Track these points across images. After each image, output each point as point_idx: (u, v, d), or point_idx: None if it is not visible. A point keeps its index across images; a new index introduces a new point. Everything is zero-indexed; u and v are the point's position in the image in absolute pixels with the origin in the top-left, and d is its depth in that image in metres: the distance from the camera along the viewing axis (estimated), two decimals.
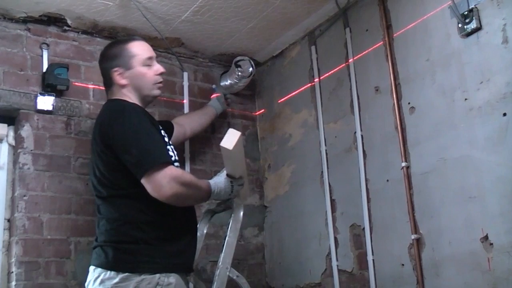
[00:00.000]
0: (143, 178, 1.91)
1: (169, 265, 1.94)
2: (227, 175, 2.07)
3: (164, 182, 1.89)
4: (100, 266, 1.95)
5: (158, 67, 2.18)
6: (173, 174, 1.91)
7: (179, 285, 1.94)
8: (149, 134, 1.99)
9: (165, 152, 2.00)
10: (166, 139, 2.15)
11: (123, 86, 2.14)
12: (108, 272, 1.91)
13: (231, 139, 1.96)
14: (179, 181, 1.92)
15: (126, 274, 1.89)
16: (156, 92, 2.18)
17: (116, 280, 1.89)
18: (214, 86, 3.13)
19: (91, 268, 1.99)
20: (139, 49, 2.17)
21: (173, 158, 2.07)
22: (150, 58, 2.17)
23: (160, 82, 2.20)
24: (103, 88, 2.26)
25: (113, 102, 2.15)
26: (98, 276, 1.93)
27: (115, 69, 2.15)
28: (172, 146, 2.17)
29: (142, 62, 2.14)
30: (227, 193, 2.06)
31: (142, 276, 1.89)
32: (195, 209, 2.18)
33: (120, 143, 1.96)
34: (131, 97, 2.14)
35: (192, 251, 2.09)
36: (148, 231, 1.96)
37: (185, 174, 2.05)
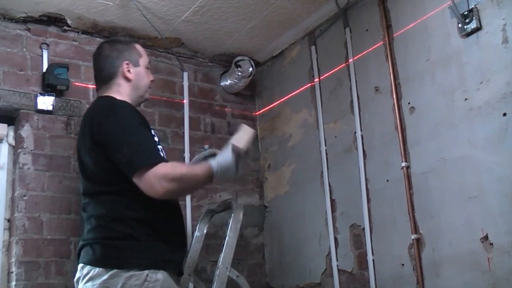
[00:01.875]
0: (135, 177, 1.91)
1: (157, 262, 1.94)
2: (233, 150, 1.94)
3: (154, 181, 1.89)
4: (89, 263, 1.94)
5: (150, 74, 2.25)
6: (161, 172, 1.90)
7: (166, 282, 1.93)
8: (140, 132, 1.99)
9: (156, 151, 2.00)
10: (156, 139, 2.15)
11: (128, 80, 2.14)
12: (97, 269, 1.90)
13: (243, 137, 1.92)
14: (168, 178, 1.91)
15: (115, 270, 1.88)
16: (147, 95, 2.24)
17: (105, 277, 1.88)
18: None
19: (80, 266, 1.97)
20: (144, 53, 2.23)
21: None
22: (149, 63, 2.24)
23: (151, 88, 2.26)
24: None
25: (104, 99, 2.14)
26: (87, 273, 1.92)
27: (127, 61, 2.14)
28: (161, 146, 2.17)
29: (145, 64, 2.20)
30: (233, 172, 1.97)
31: (131, 272, 1.88)
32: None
33: (111, 141, 1.96)
34: (127, 94, 2.13)
35: (181, 249, 2.09)
36: (136, 227, 1.95)
37: (175, 168, 1.97)
